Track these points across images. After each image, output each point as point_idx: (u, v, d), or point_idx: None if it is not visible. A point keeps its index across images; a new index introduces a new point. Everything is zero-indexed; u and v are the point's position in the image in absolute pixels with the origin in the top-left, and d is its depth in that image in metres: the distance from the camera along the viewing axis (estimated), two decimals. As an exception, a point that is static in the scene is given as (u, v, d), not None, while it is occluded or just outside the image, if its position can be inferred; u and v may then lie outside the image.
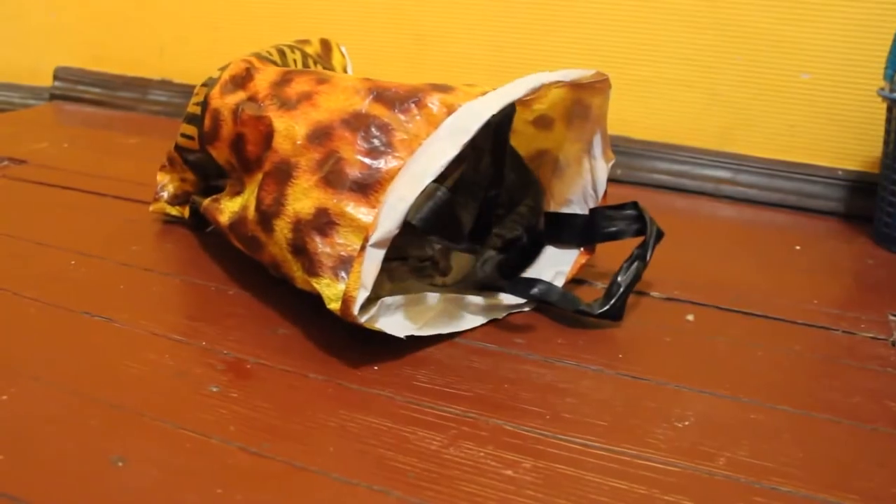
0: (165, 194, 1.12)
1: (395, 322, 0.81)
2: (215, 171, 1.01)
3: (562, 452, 0.66)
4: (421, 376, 0.77)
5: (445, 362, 0.80)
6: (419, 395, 0.73)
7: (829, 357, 0.85)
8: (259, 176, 0.86)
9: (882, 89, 1.17)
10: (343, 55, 1.23)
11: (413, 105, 0.80)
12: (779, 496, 0.62)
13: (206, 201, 0.97)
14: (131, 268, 0.99)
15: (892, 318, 0.94)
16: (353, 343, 0.83)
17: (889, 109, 1.18)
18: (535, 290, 0.91)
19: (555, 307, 0.90)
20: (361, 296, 0.74)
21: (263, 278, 0.95)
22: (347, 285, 0.74)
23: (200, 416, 0.69)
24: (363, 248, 0.72)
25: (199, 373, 0.76)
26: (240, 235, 0.88)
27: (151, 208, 1.13)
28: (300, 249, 0.79)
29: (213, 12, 1.76)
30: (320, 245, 0.77)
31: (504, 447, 0.67)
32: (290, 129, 0.83)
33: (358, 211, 0.76)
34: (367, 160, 0.77)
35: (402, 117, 0.79)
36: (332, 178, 0.78)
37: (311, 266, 0.77)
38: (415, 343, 0.83)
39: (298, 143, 0.81)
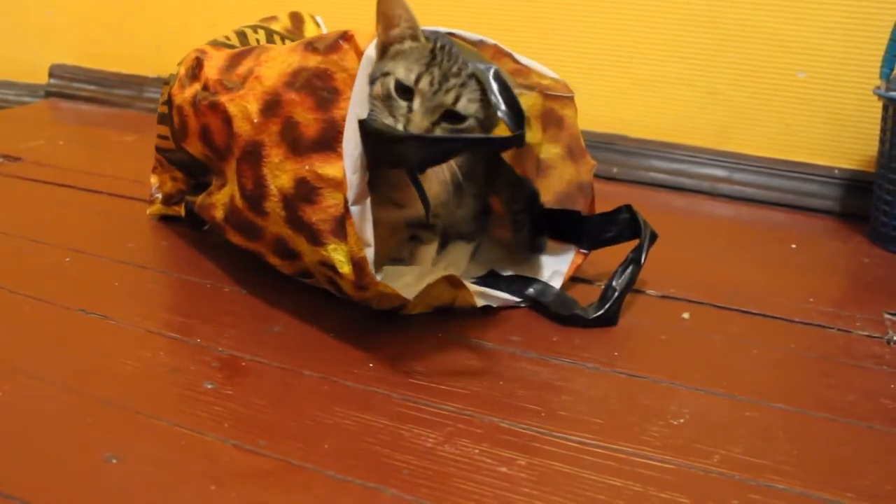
0: (160, 195, 1.12)
1: (401, 286, 0.81)
2: (198, 167, 1.00)
3: (557, 450, 0.66)
4: (417, 374, 0.77)
5: (441, 359, 0.79)
6: (415, 393, 0.73)
7: (824, 355, 0.85)
8: (234, 163, 0.86)
9: (878, 88, 1.18)
10: (318, 24, 1.20)
11: (341, 41, 0.78)
12: (774, 493, 0.62)
13: (200, 199, 0.97)
14: (126, 265, 0.98)
15: (887, 316, 0.94)
16: (349, 340, 0.82)
17: (885, 108, 1.18)
18: (531, 290, 0.91)
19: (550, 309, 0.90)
20: (369, 254, 0.75)
21: (259, 275, 0.95)
22: (350, 249, 0.74)
23: (195, 414, 0.69)
24: (347, 210, 0.73)
25: (194, 370, 0.76)
26: (237, 225, 0.88)
27: (149, 211, 1.13)
28: (297, 223, 0.79)
29: (210, 9, 1.76)
30: (313, 214, 0.77)
31: (499, 444, 0.66)
32: (243, 110, 0.82)
33: (330, 167, 0.75)
34: (320, 115, 0.76)
35: (334, 57, 0.78)
36: (295, 145, 0.77)
37: (314, 236, 0.77)
38: (410, 340, 0.83)
39: (255, 121, 0.81)
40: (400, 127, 0.75)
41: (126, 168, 1.36)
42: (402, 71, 0.75)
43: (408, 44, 0.78)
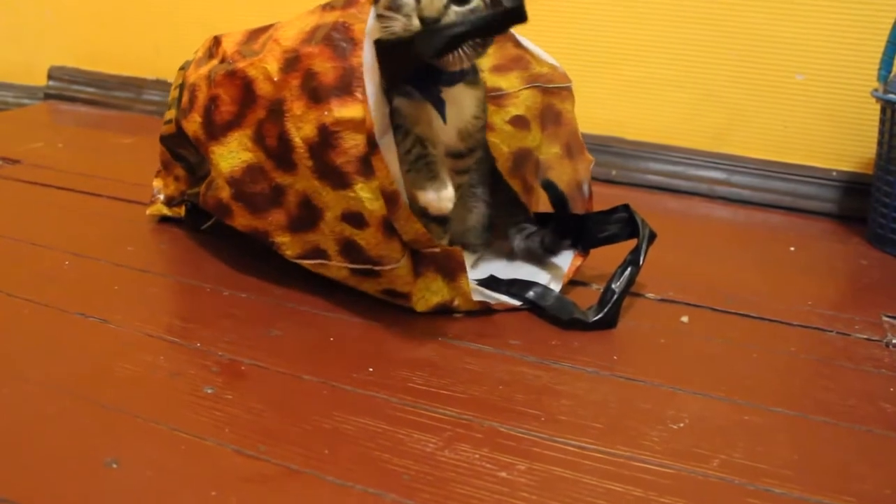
0: (162, 196, 1.12)
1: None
2: (194, 154, 1.00)
3: (557, 455, 0.66)
4: (416, 378, 0.77)
5: (440, 364, 0.79)
6: (414, 397, 0.73)
7: (824, 359, 0.85)
8: (229, 139, 0.87)
9: (876, 90, 1.18)
10: None
11: None
12: (773, 498, 0.62)
13: (202, 188, 0.96)
14: (126, 268, 0.98)
15: (886, 319, 0.94)
16: (348, 344, 0.82)
17: (883, 111, 1.18)
18: (531, 294, 0.91)
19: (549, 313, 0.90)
20: (400, 186, 0.77)
21: (258, 279, 0.95)
22: (381, 183, 0.76)
23: (195, 418, 0.69)
24: (374, 145, 0.75)
25: (194, 374, 0.76)
26: (251, 197, 0.88)
27: (148, 211, 1.13)
28: (324, 169, 0.80)
29: (208, 12, 1.76)
30: (337, 157, 0.78)
31: (499, 449, 0.66)
32: (263, 71, 0.83)
33: (347, 109, 0.77)
34: (338, 63, 0.78)
35: (352, 11, 0.81)
36: (316, 93, 0.79)
37: (341, 179, 0.79)
38: (409, 344, 0.83)
39: (276, 79, 0.82)
40: (414, 19, 0.75)
41: (125, 171, 1.36)
42: None
43: None
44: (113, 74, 1.90)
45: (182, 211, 1.09)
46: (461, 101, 0.84)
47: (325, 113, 0.77)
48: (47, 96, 1.94)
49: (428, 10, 0.75)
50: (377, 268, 0.83)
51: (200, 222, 1.06)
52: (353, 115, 0.76)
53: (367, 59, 0.76)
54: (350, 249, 0.83)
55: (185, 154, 1.03)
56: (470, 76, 0.84)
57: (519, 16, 0.75)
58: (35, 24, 1.95)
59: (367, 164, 0.77)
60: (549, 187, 0.94)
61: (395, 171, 0.78)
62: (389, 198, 0.77)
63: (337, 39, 0.79)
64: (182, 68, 1.03)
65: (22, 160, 1.41)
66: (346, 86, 0.77)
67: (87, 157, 1.47)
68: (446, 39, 0.74)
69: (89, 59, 1.92)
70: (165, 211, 1.12)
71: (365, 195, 0.78)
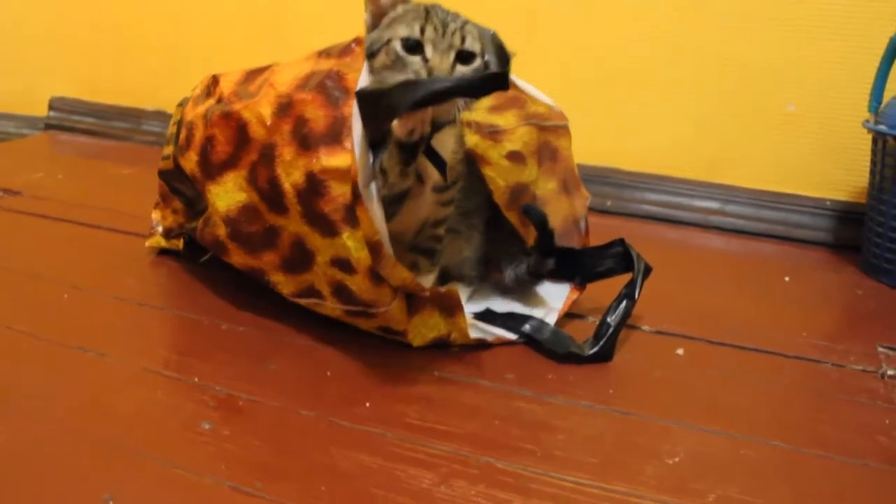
0: (160, 228, 1.13)
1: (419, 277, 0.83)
2: (191, 189, 1.01)
3: (553, 490, 0.66)
4: (412, 413, 0.77)
5: (436, 398, 0.80)
6: (410, 433, 0.74)
7: (819, 391, 0.85)
8: (225, 178, 0.88)
9: (867, 121, 1.19)
10: None
11: (353, 45, 0.82)
12: (768, 534, 0.62)
13: (200, 224, 0.97)
14: (125, 301, 0.99)
15: (881, 349, 0.95)
16: (345, 379, 0.83)
17: (874, 141, 1.20)
18: (527, 327, 0.91)
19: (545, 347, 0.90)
20: (384, 236, 0.77)
21: (256, 313, 0.96)
22: (365, 233, 0.76)
23: (192, 454, 0.69)
24: (356, 195, 0.75)
25: (191, 409, 0.76)
26: (247, 237, 0.89)
27: (147, 243, 1.14)
28: (312, 216, 0.80)
29: (207, 43, 1.78)
30: (325, 205, 0.78)
31: (496, 485, 0.67)
32: (257, 115, 0.84)
33: (335, 158, 0.77)
34: (329, 111, 0.79)
35: (347, 60, 0.82)
36: (305, 141, 0.79)
37: (328, 227, 0.79)
38: (406, 379, 0.83)
39: (269, 123, 0.83)
40: (423, 74, 0.77)
41: (124, 202, 1.37)
42: (404, 30, 0.78)
43: (400, 8, 0.82)
44: (112, 105, 1.91)
45: (180, 243, 1.10)
46: (444, 141, 0.86)
47: (314, 160, 0.78)
48: (48, 126, 1.95)
49: (438, 69, 0.77)
50: (370, 310, 0.84)
51: (198, 255, 1.07)
52: (341, 165, 0.76)
53: (356, 108, 0.77)
54: (342, 292, 0.84)
55: (182, 188, 1.03)
56: (451, 121, 0.86)
57: (500, 83, 0.76)
58: (36, 56, 1.97)
59: (353, 213, 0.77)
60: (530, 210, 0.94)
61: (378, 220, 0.78)
62: (373, 248, 0.77)
63: (330, 88, 0.79)
64: (180, 104, 1.04)
65: (22, 191, 1.41)
66: (336, 135, 0.77)
67: (87, 188, 1.47)
68: (426, 94, 0.73)
69: (89, 90, 1.94)
70: (164, 243, 1.13)
71: (351, 244, 0.78)
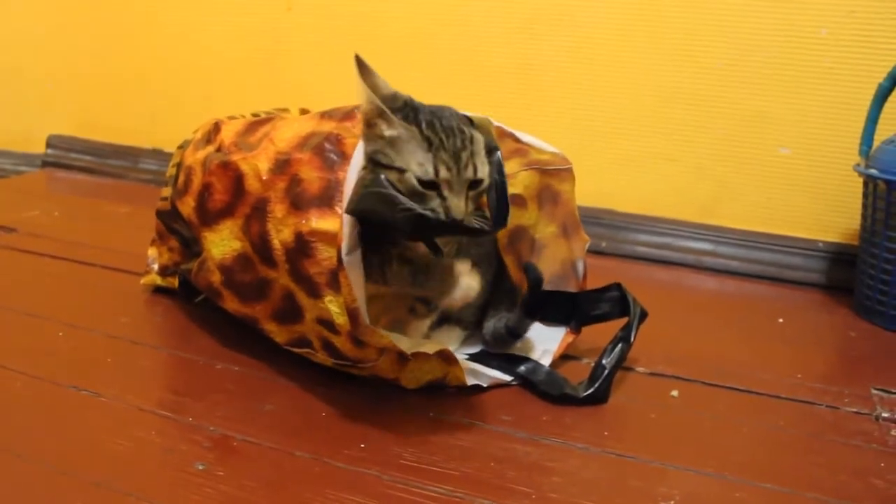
0: (156, 266, 1.13)
1: (398, 339, 0.82)
2: (188, 231, 1.02)
3: (548, 534, 0.66)
4: (407, 454, 0.77)
5: (432, 439, 0.80)
6: (406, 474, 0.73)
7: (813, 433, 0.85)
8: (221, 227, 0.88)
9: (858, 165, 1.21)
10: None
11: (356, 110, 0.82)
12: (765, 579, 0.62)
13: (194, 266, 0.97)
14: (119, 340, 0.99)
15: (875, 392, 0.95)
16: (340, 419, 0.83)
17: (865, 184, 1.21)
18: (522, 369, 0.91)
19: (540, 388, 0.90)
20: (362, 304, 0.76)
21: (251, 353, 0.96)
22: (345, 299, 0.75)
23: (186, 496, 0.69)
24: (340, 261, 0.75)
25: (186, 450, 0.76)
26: (239, 286, 0.89)
27: (142, 281, 1.14)
28: (298, 276, 0.81)
29: (204, 82, 1.80)
30: (310, 267, 0.79)
31: (491, 528, 0.66)
32: (254, 168, 0.85)
33: (325, 221, 0.77)
34: (324, 174, 0.79)
35: (347, 124, 0.82)
36: (297, 201, 0.80)
37: (312, 289, 0.79)
38: (401, 420, 0.83)
39: (264, 178, 0.84)
40: (441, 216, 0.76)
41: (120, 240, 1.37)
42: (416, 167, 0.75)
43: (396, 131, 0.77)
44: (109, 143, 1.93)
45: (175, 282, 1.10)
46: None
47: (303, 221, 0.78)
48: (45, 164, 1.96)
49: (460, 213, 0.76)
50: (358, 365, 0.84)
51: (193, 294, 1.07)
52: (329, 228, 0.77)
53: (350, 174, 0.77)
54: (329, 347, 0.84)
55: (179, 229, 1.04)
56: None
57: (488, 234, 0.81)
58: (35, 94, 1.99)
59: (337, 278, 0.77)
60: (528, 268, 0.95)
61: (357, 288, 0.77)
62: (352, 315, 0.76)
63: (328, 150, 0.80)
64: (181, 147, 1.05)
65: (18, 229, 1.42)
66: (329, 199, 0.78)
67: (83, 225, 1.48)
68: (419, 229, 0.76)
69: (87, 128, 1.96)
70: (159, 281, 1.13)
71: (333, 308, 0.78)
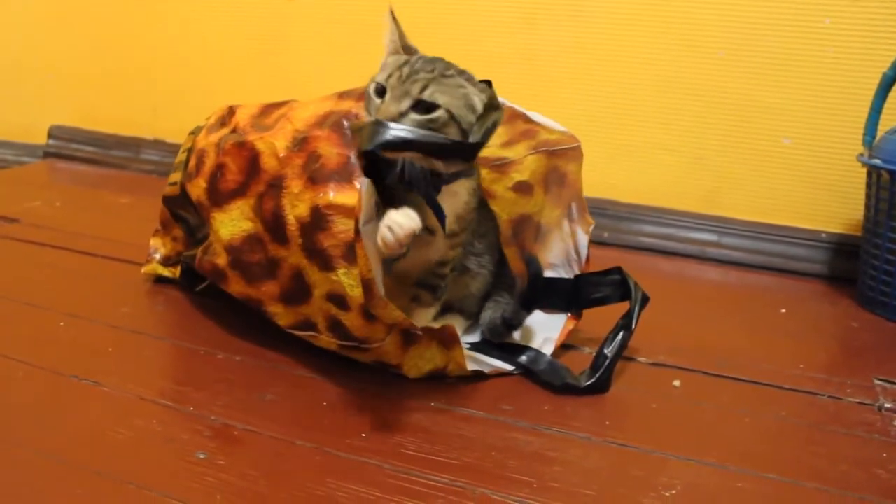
0: (158, 255, 1.13)
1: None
2: (195, 217, 1.01)
3: (549, 523, 0.66)
4: (409, 444, 0.77)
5: (433, 430, 0.80)
6: (407, 464, 0.73)
7: (815, 423, 0.85)
8: (232, 207, 0.89)
9: (861, 155, 1.20)
10: None
11: None
12: (766, 569, 0.62)
13: (199, 252, 0.97)
14: (121, 330, 0.99)
15: (877, 382, 0.95)
16: (342, 409, 0.83)
17: (869, 174, 1.21)
18: (523, 358, 0.91)
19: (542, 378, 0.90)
20: (378, 275, 0.77)
21: (252, 343, 0.95)
22: (360, 270, 0.76)
23: (187, 485, 0.69)
24: (357, 231, 0.75)
25: (187, 439, 0.76)
26: (247, 266, 0.89)
27: (144, 270, 1.14)
28: (312, 250, 0.81)
29: (207, 72, 1.80)
30: (325, 240, 0.79)
31: (492, 517, 0.66)
32: (271, 147, 0.85)
33: (343, 195, 0.78)
34: (343, 150, 0.80)
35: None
36: (316, 175, 0.80)
37: (326, 262, 0.79)
38: (402, 410, 0.83)
39: (282, 155, 0.84)
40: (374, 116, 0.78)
41: (122, 230, 1.37)
42: (380, 75, 0.80)
43: (392, 57, 0.83)
44: (111, 134, 1.92)
45: (177, 272, 1.10)
46: (457, 191, 0.86)
47: (321, 195, 0.78)
48: (46, 154, 1.96)
49: (383, 113, 0.77)
50: (364, 345, 0.84)
51: (195, 283, 1.07)
52: (347, 202, 0.77)
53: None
54: (336, 327, 0.84)
55: (185, 215, 1.04)
56: (468, 173, 0.86)
57: (467, 155, 0.80)
58: (36, 84, 1.98)
59: (352, 250, 0.77)
60: (530, 262, 0.94)
61: (373, 259, 0.77)
62: (366, 286, 0.76)
63: (346, 128, 0.81)
64: (192, 133, 1.05)
65: (20, 219, 1.42)
66: (348, 174, 0.78)
67: (85, 216, 1.48)
68: (386, 138, 0.75)
69: (89, 119, 1.95)
70: (161, 271, 1.13)
71: (346, 281, 0.78)
